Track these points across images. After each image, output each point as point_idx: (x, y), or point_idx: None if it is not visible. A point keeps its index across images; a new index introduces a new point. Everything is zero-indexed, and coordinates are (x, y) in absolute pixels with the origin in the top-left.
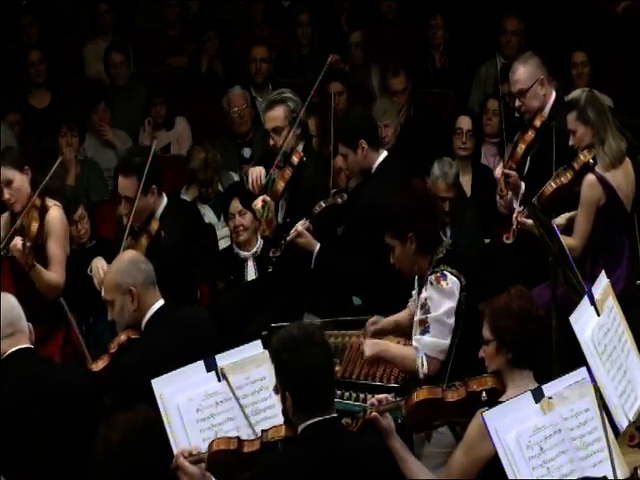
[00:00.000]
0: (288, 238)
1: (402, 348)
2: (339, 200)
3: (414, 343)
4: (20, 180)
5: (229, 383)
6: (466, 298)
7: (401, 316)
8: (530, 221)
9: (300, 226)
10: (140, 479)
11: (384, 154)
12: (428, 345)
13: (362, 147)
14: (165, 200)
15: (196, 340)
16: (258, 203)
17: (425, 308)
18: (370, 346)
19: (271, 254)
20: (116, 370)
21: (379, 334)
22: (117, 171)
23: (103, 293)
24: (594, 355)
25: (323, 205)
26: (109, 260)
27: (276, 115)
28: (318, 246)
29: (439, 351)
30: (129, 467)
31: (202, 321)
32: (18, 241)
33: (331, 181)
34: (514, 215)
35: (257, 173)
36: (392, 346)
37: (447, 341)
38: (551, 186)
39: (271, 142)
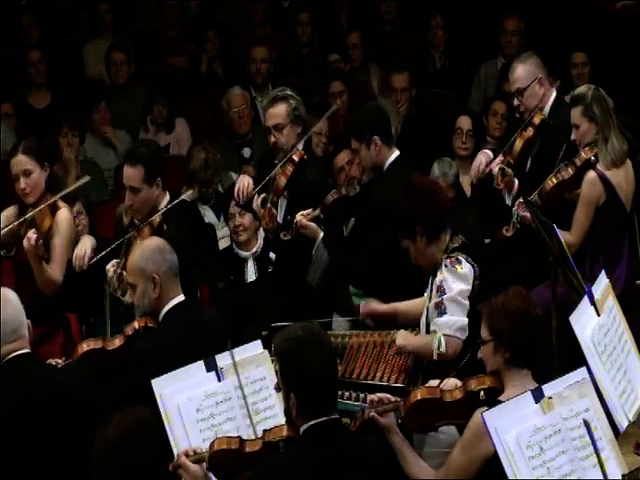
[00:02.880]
0: (302, 220)
1: (426, 336)
2: (351, 192)
3: (432, 327)
4: (38, 174)
5: (239, 379)
6: (478, 287)
7: (404, 304)
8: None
9: (304, 218)
10: (136, 477)
11: (396, 152)
12: (445, 323)
13: (375, 143)
14: (168, 197)
15: (209, 342)
16: (257, 199)
17: (441, 290)
18: (402, 336)
19: (282, 236)
20: (127, 355)
21: (372, 315)
22: (123, 162)
23: (125, 275)
24: (594, 355)
25: (336, 195)
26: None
27: (278, 112)
28: (321, 234)
29: (457, 328)
30: (125, 464)
31: (217, 324)
32: (32, 234)
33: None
34: (514, 208)
35: (245, 182)
36: (418, 336)
37: (465, 319)
38: (552, 181)
39: (272, 139)
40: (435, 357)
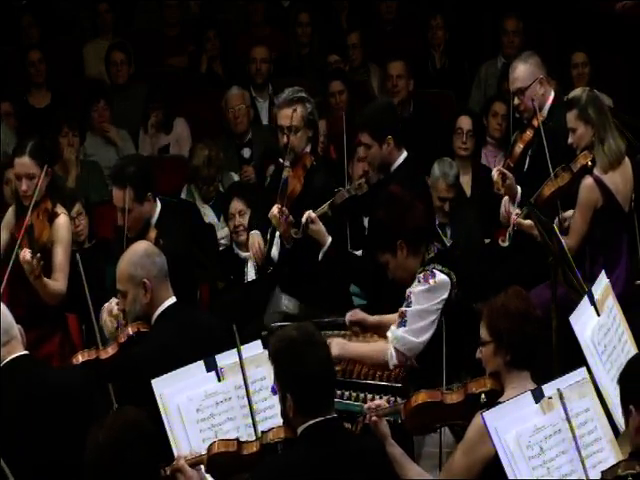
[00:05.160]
0: (311, 213)
1: (368, 345)
2: (359, 192)
3: (388, 333)
4: (40, 179)
5: (244, 375)
6: (457, 295)
7: (387, 317)
8: (527, 222)
9: (313, 213)
10: (129, 478)
11: (404, 154)
12: (399, 339)
13: (388, 143)
14: (159, 205)
15: (204, 342)
16: (274, 210)
17: (408, 301)
18: (336, 346)
19: (293, 234)
20: (122, 361)
21: (359, 326)
22: (111, 182)
23: (117, 283)
24: (594, 355)
25: (346, 195)
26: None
27: (294, 114)
28: (329, 240)
29: (407, 348)
30: (118, 466)
31: (211, 323)
32: (27, 253)
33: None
34: (511, 217)
35: (257, 244)
36: (359, 344)
37: (419, 340)
38: (549, 187)
39: (284, 140)
40: (391, 367)
